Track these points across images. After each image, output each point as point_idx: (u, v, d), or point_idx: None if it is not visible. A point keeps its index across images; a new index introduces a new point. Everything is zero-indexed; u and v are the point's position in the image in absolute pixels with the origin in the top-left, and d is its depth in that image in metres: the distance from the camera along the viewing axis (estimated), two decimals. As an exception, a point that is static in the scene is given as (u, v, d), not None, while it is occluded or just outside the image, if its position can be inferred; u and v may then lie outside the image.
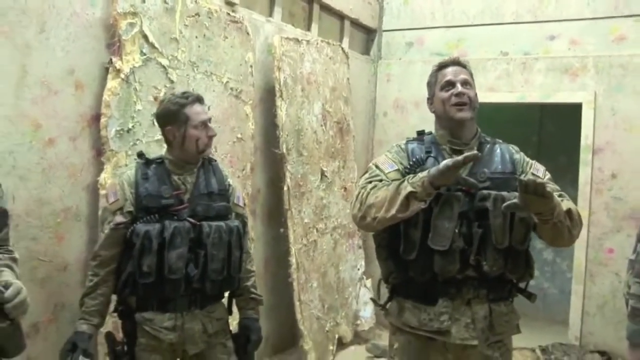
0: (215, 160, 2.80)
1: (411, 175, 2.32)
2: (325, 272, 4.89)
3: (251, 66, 4.24)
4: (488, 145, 2.62)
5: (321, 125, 4.94)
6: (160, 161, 2.61)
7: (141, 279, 2.45)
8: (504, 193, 2.41)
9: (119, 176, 2.69)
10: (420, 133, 2.64)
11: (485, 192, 2.42)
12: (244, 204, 2.90)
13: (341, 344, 5.17)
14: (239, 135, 4.13)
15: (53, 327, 3.04)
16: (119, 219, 2.51)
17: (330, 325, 4.91)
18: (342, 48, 5.44)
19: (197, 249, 2.54)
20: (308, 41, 4.88)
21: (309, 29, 5.25)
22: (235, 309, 2.85)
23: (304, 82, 4.74)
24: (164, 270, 2.45)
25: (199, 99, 2.67)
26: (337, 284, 5.10)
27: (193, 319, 2.59)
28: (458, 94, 2.49)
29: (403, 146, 2.60)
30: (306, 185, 4.68)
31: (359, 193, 2.44)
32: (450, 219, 2.37)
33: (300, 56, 4.72)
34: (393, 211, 2.30)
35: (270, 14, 4.74)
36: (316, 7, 5.31)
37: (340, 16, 5.75)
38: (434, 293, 2.45)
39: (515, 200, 2.24)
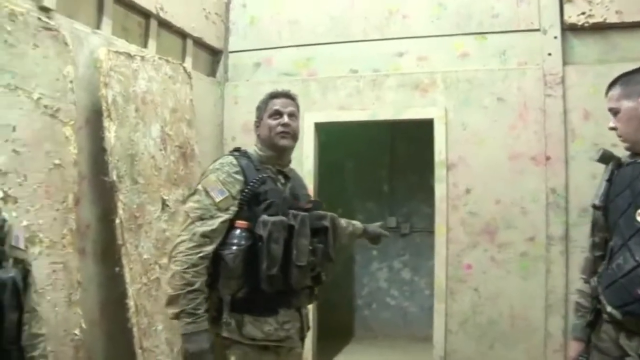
0: None
1: (190, 318, 2.33)
2: (172, 312, 4.10)
3: (71, 81, 3.42)
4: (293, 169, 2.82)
5: (160, 150, 4.18)
6: None
7: None
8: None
9: None
10: (237, 150, 2.67)
11: (321, 212, 2.67)
12: (26, 246, 2.09)
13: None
14: (57, 162, 3.29)
15: None
16: None
17: (181, 372, 4.12)
18: (184, 67, 4.72)
19: None
20: (143, 57, 4.14)
21: (145, 46, 4.50)
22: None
23: (139, 102, 3.98)
24: None
25: None
26: (188, 324, 4.32)
27: None
28: (284, 124, 2.61)
29: (235, 162, 2.55)
30: (144, 217, 3.90)
31: (182, 241, 2.39)
32: (307, 237, 2.51)
33: (133, 73, 3.97)
34: (169, 305, 2.38)
35: (98, 26, 3.96)
36: (154, 23, 4.57)
37: (182, 34, 5.04)
38: (274, 304, 2.50)
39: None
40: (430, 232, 5.40)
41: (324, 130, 5.56)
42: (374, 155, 6.74)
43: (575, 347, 2.52)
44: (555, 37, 4.79)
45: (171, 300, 2.36)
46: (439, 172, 4.95)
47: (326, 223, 2.64)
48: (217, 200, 2.42)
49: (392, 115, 5.17)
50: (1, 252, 1.89)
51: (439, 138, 4.96)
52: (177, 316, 2.36)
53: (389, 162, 6.76)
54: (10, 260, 1.93)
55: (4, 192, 2.92)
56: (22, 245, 2.02)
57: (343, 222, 3.03)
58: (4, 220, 1.96)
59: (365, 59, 5.29)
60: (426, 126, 5.05)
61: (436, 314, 4.97)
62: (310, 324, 5.11)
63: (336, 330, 6.31)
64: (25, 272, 1.96)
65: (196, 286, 2.33)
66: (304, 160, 5.30)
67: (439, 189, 4.95)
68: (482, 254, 4.86)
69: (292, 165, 2.80)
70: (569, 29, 4.79)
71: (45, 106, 3.23)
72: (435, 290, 5.00)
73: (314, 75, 5.43)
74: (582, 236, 4.48)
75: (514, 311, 4.77)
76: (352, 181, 6.85)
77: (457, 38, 5.09)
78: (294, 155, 5.04)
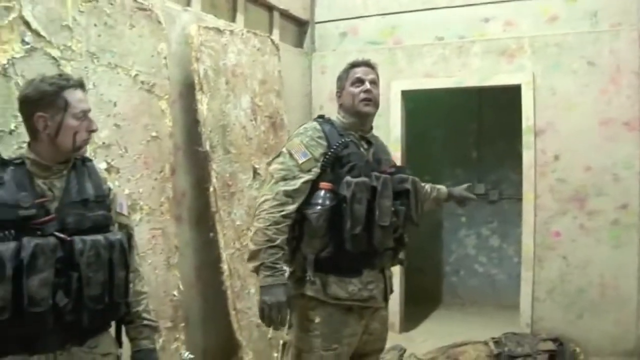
0: (91, 160, 2.15)
1: (269, 271, 2.41)
2: (263, 276, 4.29)
3: (165, 58, 3.62)
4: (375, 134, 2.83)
5: (251, 120, 4.35)
6: (19, 162, 1.94)
7: None
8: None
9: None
10: (321, 117, 2.72)
11: (403, 175, 2.68)
12: (129, 212, 2.28)
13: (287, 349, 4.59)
14: (154, 134, 3.51)
15: None
16: None
17: (273, 332, 4.31)
18: (272, 39, 4.85)
19: (69, 272, 1.88)
20: (232, 31, 4.29)
21: (234, 20, 4.66)
22: (126, 339, 2.21)
23: (229, 75, 4.15)
24: (24, 302, 1.78)
25: (81, 84, 2.03)
26: (278, 287, 4.50)
27: (70, 359, 1.93)
28: (366, 91, 2.63)
29: (318, 127, 2.61)
30: (236, 185, 4.09)
31: (265, 200, 2.47)
32: (389, 198, 2.55)
33: (223, 47, 4.13)
34: (250, 260, 2.48)
35: (188, 4, 4.14)
36: (240, -3, 4.73)
37: (269, 7, 5.18)
38: (358, 265, 2.56)
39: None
40: (519, 199, 5.32)
41: (411, 98, 5.58)
42: (462, 122, 6.67)
43: None
44: (653, -5, 4.59)
45: (252, 255, 2.44)
46: (527, 138, 4.89)
47: (408, 186, 2.67)
48: (300, 162, 2.49)
49: (478, 82, 5.14)
50: (108, 218, 2.09)
51: (527, 104, 4.89)
52: (256, 269, 2.43)
53: (477, 128, 6.67)
54: (116, 225, 2.14)
55: (108, 163, 3.15)
56: (125, 212, 2.22)
57: (427, 187, 3.07)
58: (110, 189, 2.16)
59: (450, 25, 5.26)
60: (514, 92, 4.99)
61: (523, 282, 4.96)
62: (398, 289, 5.28)
63: (424, 296, 6.37)
64: (129, 236, 2.15)
65: (277, 242, 2.40)
66: (392, 128, 5.35)
67: (527, 156, 4.90)
68: (571, 221, 4.79)
69: (380, 134, 2.84)
70: (667, -15, 4.57)
71: (142, 82, 3.44)
72: (523, 258, 4.99)
73: (399, 43, 5.44)
74: (680, 205, 4.37)
75: (604, 280, 4.69)
76: (440, 148, 6.80)
77: (545, 1, 4.95)
78: (382, 123, 5.21)
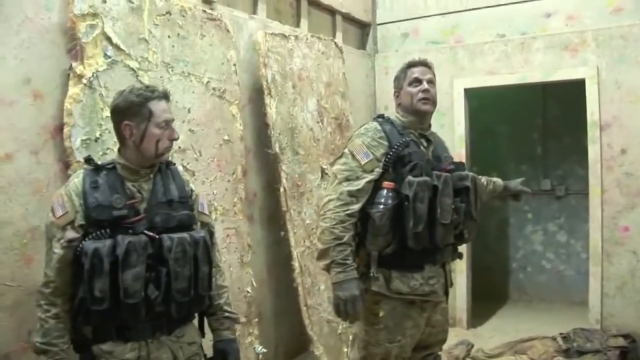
0: (174, 164, 2.31)
1: (340, 267, 2.49)
2: (332, 273, 4.40)
3: (234, 64, 3.78)
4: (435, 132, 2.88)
5: (318, 122, 4.47)
6: (111, 167, 2.12)
7: (93, 305, 1.95)
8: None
9: (65, 186, 2.16)
10: (381, 116, 2.77)
11: (463, 173, 2.75)
12: (210, 212, 2.43)
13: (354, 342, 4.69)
14: (226, 137, 3.67)
15: (28, 357, 2.59)
16: (71, 234, 2.00)
17: (342, 327, 4.43)
18: (335, 42, 4.97)
19: (158, 267, 2.04)
20: (296, 36, 4.42)
21: (298, 25, 4.79)
22: (208, 329, 2.37)
23: (295, 79, 4.28)
24: (120, 294, 1.95)
25: (166, 96, 2.19)
26: (347, 284, 4.61)
27: (160, 346, 2.10)
28: (424, 90, 2.67)
29: (379, 127, 2.67)
30: (305, 185, 4.21)
31: (330, 200, 2.55)
32: (450, 196, 2.61)
33: (288, 52, 4.26)
34: (320, 259, 2.57)
35: (254, 11, 4.29)
36: (304, 3, 4.85)
37: (331, 11, 5.29)
38: (420, 260, 2.62)
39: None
40: (586, 194, 5.24)
41: (475, 96, 5.60)
42: (526, 118, 6.60)
43: None
44: None
45: (322, 254, 2.53)
46: (592, 132, 4.83)
47: (467, 183, 2.73)
48: (363, 162, 2.55)
49: (541, 78, 5.11)
50: (192, 217, 2.25)
51: (591, 98, 4.83)
52: (327, 267, 2.52)
53: (542, 124, 6.58)
54: (199, 223, 2.29)
55: (184, 166, 3.30)
56: (206, 211, 2.37)
57: (483, 180, 3.10)
58: (192, 190, 2.33)
59: (511, 22, 5.25)
60: (579, 86, 4.93)
61: (592, 277, 4.90)
62: (465, 285, 5.31)
63: (491, 293, 6.35)
64: (210, 234, 2.30)
65: (344, 240, 2.48)
66: (455, 126, 5.37)
67: (592, 150, 4.84)
68: (640, 216, 4.71)
69: (444, 131, 2.90)
70: None
71: (214, 89, 3.61)
72: (591, 253, 4.92)
73: (461, 41, 5.47)
74: None
75: (679, 277, 4.60)
76: (505, 145, 6.74)
77: (610, -7, 4.88)
78: (446, 121, 5.25)
